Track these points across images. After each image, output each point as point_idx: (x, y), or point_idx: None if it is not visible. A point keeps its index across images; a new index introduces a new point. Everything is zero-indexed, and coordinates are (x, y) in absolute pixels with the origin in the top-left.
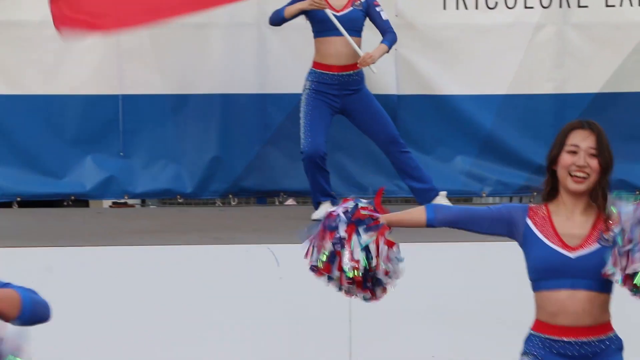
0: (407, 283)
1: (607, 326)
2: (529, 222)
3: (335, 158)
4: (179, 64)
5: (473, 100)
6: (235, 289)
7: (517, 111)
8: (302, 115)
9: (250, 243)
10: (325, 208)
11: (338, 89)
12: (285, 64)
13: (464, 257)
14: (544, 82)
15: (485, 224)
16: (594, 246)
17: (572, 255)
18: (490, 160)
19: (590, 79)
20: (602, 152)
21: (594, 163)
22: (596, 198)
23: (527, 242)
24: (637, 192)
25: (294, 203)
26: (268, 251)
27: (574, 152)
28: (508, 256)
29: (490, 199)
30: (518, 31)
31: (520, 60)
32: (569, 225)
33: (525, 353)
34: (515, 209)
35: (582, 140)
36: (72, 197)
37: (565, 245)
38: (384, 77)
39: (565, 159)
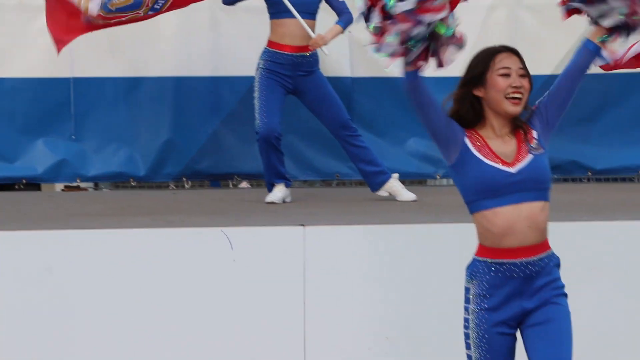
0: (359, 265)
1: (546, 244)
2: (467, 141)
3: (288, 141)
4: (131, 47)
5: (428, 82)
6: (189, 272)
7: None
8: (256, 95)
9: (204, 226)
10: (279, 190)
11: (291, 70)
12: (238, 46)
13: (416, 238)
14: None
15: (438, 114)
16: (528, 157)
17: (512, 169)
18: None
19: (542, 60)
20: (528, 72)
21: (525, 83)
22: (521, 119)
23: (465, 161)
24: (589, 173)
25: (248, 186)
26: (222, 234)
27: (506, 75)
28: (459, 237)
29: (445, 181)
30: (471, 13)
31: (473, 41)
32: (502, 146)
33: (469, 280)
34: (458, 125)
35: (510, 62)
36: (24, 181)
37: (504, 162)
38: (338, 60)
39: (499, 82)
